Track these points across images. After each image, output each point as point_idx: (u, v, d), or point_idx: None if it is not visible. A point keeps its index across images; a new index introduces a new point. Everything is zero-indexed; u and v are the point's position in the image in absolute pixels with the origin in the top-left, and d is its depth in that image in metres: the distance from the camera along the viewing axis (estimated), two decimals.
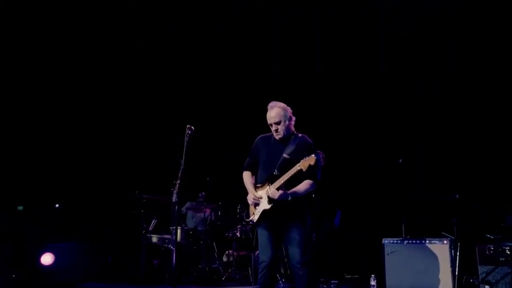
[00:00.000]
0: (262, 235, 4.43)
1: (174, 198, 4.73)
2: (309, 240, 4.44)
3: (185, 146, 4.91)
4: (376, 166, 7.26)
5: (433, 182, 7.20)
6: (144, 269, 7.50)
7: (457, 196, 5.85)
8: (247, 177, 4.65)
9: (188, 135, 4.96)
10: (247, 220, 4.62)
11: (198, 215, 8.80)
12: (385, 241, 5.92)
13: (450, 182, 7.02)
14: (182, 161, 4.83)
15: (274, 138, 4.51)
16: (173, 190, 4.78)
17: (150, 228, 8.09)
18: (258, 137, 4.68)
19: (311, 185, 4.30)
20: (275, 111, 4.41)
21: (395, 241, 5.85)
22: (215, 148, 9.23)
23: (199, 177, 9.01)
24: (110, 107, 8.96)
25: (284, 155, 4.34)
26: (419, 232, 6.09)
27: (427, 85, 7.43)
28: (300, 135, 4.48)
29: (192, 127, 4.97)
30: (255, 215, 4.48)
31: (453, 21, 6.95)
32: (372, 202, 7.42)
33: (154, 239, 8.05)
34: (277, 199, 4.18)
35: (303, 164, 4.06)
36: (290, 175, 4.17)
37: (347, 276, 7.38)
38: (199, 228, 8.16)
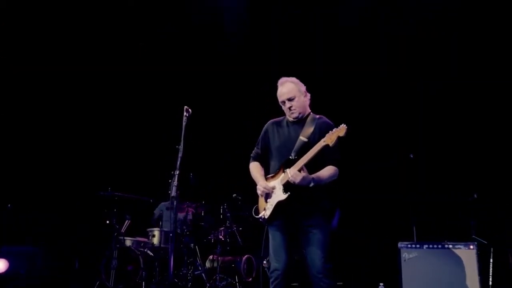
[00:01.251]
0: (275, 236, 3.74)
1: (173, 192, 3.91)
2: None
3: (183, 130, 4.22)
4: (378, 165, 6.73)
5: (436, 181, 6.72)
6: (116, 276, 6.56)
7: (475, 196, 5.33)
8: (256, 168, 4.02)
9: (186, 117, 4.23)
10: (257, 217, 3.88)
11: (178, 215, 7.91)
12: (401, 245, 5.28)
13: (451, 182, 6.61)
14: (181, 147, 4.08)
15: (288, 121, 3.92)
16: (171, 182, 3.97)
17: (123, 230, 7.18)
18: (267, 123, 4.05)
19: (335, 171, 3.69)
20: (288, 86, 3.83)
21: (412, 246, 5.23)
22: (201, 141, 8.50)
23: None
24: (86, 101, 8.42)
25: (301, 137, 3.72)
26: (432, 235, 5.52)
27: (428, 85, 7.23)
28: (317, 115, 3.86)
29: (190, 109, 4.22)
30: (266, 210, 3.77)
31: (453, 21, 6.77)
32: (375, 202, 6.86)
33: (128, 242, 7.19)
34: (298, 182, 3.52)
35: (330, 138, 3.44)
36: (314, 153, 3.52)
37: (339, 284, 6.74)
38: (178, 231, 7.29)
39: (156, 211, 7.97)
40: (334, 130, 3.42)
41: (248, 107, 7.94)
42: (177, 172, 4.03)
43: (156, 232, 7.24)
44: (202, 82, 8.32)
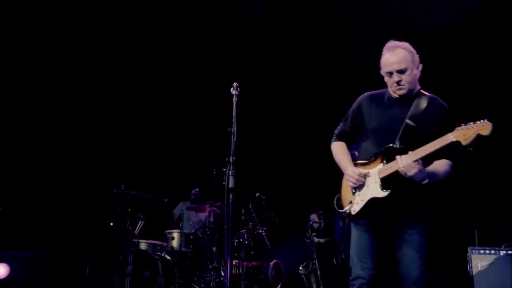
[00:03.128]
0: (361, 237, 3.10)
1: (231, 183, 3.21)
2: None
3: (234, 110, 3.57)
4: None
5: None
6: (132, 283, 5.84)
7: None
8: (341, 149, 3.34)
9: (235, 95, 3.56)
10: (340, 210, 3.24)
11: (199, 216, 7.20)
12: (472, 250, 4.61)
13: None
14: (234, 130, 3.38)
15: (390, 97, 3.18)
16: (227, 171, 3.27)
17: (136, 232, 6.46)
18: (362, 96, 3.31)
19: (450, 167, 3.02)
20: (399, 54, 3.05)
21: (486, 251, 4.56)
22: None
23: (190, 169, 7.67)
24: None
25: (408, 121, 3.01)
26: (497, 239, 4.86)
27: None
28: (428, 94, 3.15)
29: (236, 84, 3.58)
30: (353, 205, 3.13)
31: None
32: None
33: (143, 245, 6.46)
34: (411, 176, 2.86)
35: (464, 134, 2.71)
36: (435, 148, 2.82)
37: None
38: (199, 233, 6.60)
39: (176, 211, 7.28)
40: (471, 124, 2.72)
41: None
42: (233, 158, 3.33)
43: (176, 234, 6.53)
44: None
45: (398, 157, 2.91)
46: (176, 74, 7.66)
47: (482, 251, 4.58)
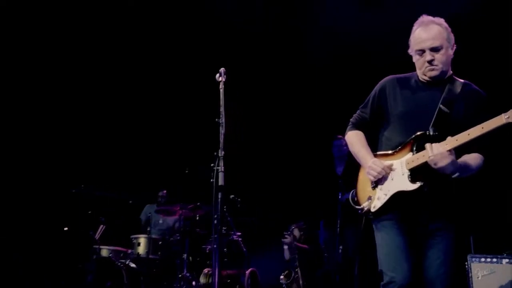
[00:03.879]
0: (389, 237, 2.73)
1: (220, 180, 2.71)
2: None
3: (221, 98, 3.13)
4: None
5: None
6: None
7: None
8: (360, 138, 2.98)
9: (222, 82, 3.09)
10: (358, 207, 2.86)
11: (167, 220, 6.61)
12: (472, 259, 4.26)
13: None
14: (222, 121, 2.90)
15: (418, 80, 2.82)
16: (215, 166, 2.76)
17: (97, 237, 5.86)
18: (385, 79, 2.93)
19: (483, 162, 2.69)
20: (434, 30, 2.69)
21: (487, 259, 4.22)
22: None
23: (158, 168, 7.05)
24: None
25: (441, 106, 2.66)
26: (494, 246, 4.56)
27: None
28: (461, 80, 2.79)
29: (223, 69, 3.12)
30: (374, 201, 2.76)
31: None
32: None
33: (105, 252, 5.86)
34: (441, 167, 2.51)
35: None
36: (485, 131, 2.43)
37: None
38: (170, 238, 6.04)
39: (143, 216, 6.66)
40: None
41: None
42: (222, 153, 2.82)
43: (143, 239, 5.95)
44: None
45: (428, 145, 2.54)
46: (146, 61, 7.05)
47: (482, 259, 4.24)
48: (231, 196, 6.12)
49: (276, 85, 7.04)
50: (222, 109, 3.06)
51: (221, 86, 3.25)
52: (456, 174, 2.55)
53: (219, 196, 2.79)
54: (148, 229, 5.98)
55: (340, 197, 5.49)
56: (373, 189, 2.79)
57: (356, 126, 3.00)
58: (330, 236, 5.78)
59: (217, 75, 3.32)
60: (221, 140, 2.89)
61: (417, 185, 2.59)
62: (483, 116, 2.48)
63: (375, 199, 2.75)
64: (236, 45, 6.49)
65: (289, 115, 7.09)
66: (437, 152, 2.50)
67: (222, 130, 2.94)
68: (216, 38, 6.50)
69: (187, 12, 6.45)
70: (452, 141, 2.50)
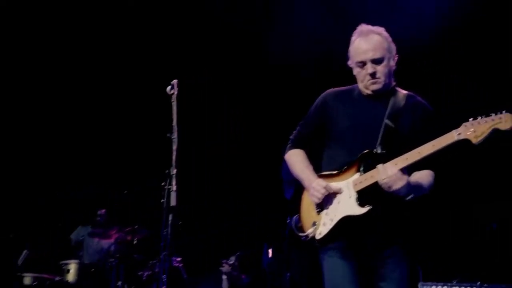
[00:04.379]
0: (336, 266, 2.50)
1: (172, 201, 2.43)
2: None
3: (174, 112, 2.92)
4: None
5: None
6: None
7: (494, 226, 4.50)
8: (301, 158, 2.72)
9: (174, 94, 3.01)
10: (302, 234, 2.59)
11: (101, 243, 6.11)
12: (423, 287, 4.21)
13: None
14: (175, 136, 2.66)
15: (360, 93, 2.63)
16: (167, 186, 2.49)
17: (19, 263, 5.34)
18: (325, 92, 2.73)
19: (434, 180, 2.52)
20: (373, 40, 2.53)
21: (438, 287, 4.19)
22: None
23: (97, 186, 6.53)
24: None
25: (387, 121, 2.48)
26: (443, 275, 4.56)
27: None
28: (406, 91, 2.64)
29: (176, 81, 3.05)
30: (319, 227, 2.51)
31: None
32: None
33: (28, 280, 5.32)
34: (395, 189, 2.31)
35: (477, 129, 2.18)
36: (436, 149, 2.28)
37: None
38: (104, 264, 5.58)
39: (74, 236, 6.10)
40: (483, 118, 2.20)
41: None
42: (175, 171, 2.55)
43: (73, 265, 5.47)
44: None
45: (380, 166, 2.34)
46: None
47: (434, 287, 4.21)
48: (169, 220, 5.77)
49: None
50: (174, 123, 2.80)
51: (173, 99, 2.99)
52: (411, 196, 2.35)
53: (170, 218, 2.49)
54: (80, 253, 5.48)
55: (288, 222, 5.33)
56: (318, 214, 2.54)
57: (297, 144, 2.76)
58: (276, 260, 5.58)
59: (169, 87, 3.07)
60: (174, 157, 2.61)
61: (366, 209, 2.37)
62: (430, 130, 2.37)
63: (320, 225, 2.50)
64: (191, 54, 6.21)
65: (240, 135, 6.87)
66: (392, 174, 2.30)
67: (174, 146, 2.67)
68: (171, 47, 6.18)
69: (142, 21, 6.12)
70: (402, 160, 2.33)
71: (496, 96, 5.11)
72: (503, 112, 2.16)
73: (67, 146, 6.76)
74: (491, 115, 2.17)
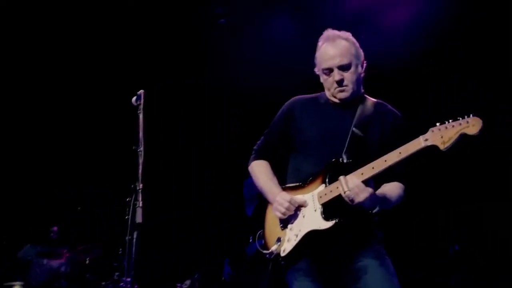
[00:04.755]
0: (301, 286, 2.34)
1: (138, 217, 2.29)
2: None
3: (140, 124, 2.75)
4: None
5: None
6: None
7: (457, 247, 4.57)
8: (264, 169, 2.59)
9: (140, 106, 2.82)
10: (266, 251, 2.42)
11: (51, 263, 5.76)
12: None
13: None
14: (141, 149, 2.54)
15: (327, 101, 2.53)
16: (133, 200, 2.36)
17: None
18: (291, 100, 2.62)
19: (404, 193, 2.42)
20: (341, 46, 2.43)
21: None
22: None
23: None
24: None
25: (354, 129, 2.39)
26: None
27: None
28: (375, 99, 2.56)
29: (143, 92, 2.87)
30: (283, 243, 2.37)
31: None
32: None
33: None
34: (359, 202, 2.18)
35: (444, 135, 2.09)
36: (403, 156, 2.18)
37: None
38: (54, 285, 5.27)
39: (21, 255, 5.70)
40: (450, 123, 2.10)
41: None
42: (141, 185, 2.41)
43: (18, 287, 5.07)
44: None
45: (341, 178, 2.22)
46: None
47: None
48: (127, 238, 5.52)
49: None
50: (140, 135, 2.67)
51: (139, 110, 2.86)
52: (376, 209, 2.25)
53: (135, 236, 2.34)
54: (27, 274, 5.15)
55: (251, 240, 5.21)
56: (282, 229, 2.40)
57: (261, 155, 2.62)
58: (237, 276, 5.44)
59: (134, 98, 2.92)
60: (140, 171, 2.48)
61: (331, 222, 2.23)
62: (401, 139, 2.26)
63: (284, 241, 2.36)
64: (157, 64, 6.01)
65: (200, 150, 6.70)
66: (353, 186, 2.18)
67: (140, 160, 2.54)
68: (137, 56, 5.97)
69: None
70: (368, 170, 2.22)
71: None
72: (471, 115, 2.06)
73: (21, 156, 6.37)
74: (458, 119, 2.08)
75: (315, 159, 2.39)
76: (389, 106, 2.55)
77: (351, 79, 2.41)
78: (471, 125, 2.04)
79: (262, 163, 2.60)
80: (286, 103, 2.61)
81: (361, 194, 2.17)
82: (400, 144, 2.20)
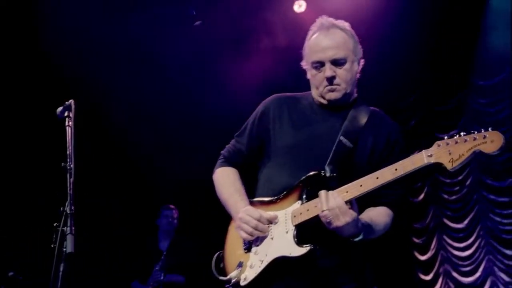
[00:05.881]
0: None
1: (69, 247, 1.97)
2: None
3: (69, 138, 2.42)
4: None
5: None
6: None
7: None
8: (232, 177, 2.25)
9: (69, 118, 2.50)
10: (223, 278, 2.10)
11: None
12: None
13: None
14: (71, 165, 2.24)
15: (313, 102, 2.21)
16: (61, 227, 2.04)
17: None
18: (269, 98, 2.30)
19: (391, 219, 2.11)
20: (337, 37, 2.09)
21: None
22: None
23: None
24: None
25: (342, 138, 2.05)
26: None
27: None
28: (371, 107, 2.25)
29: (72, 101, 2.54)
30: (244, 269, 2.04)
31: None
32: None
33: None
34: (340, 226, 1.84)
35: (454, 151, 1.74)
36: (399, 175, 1.84)
37: None
38: None
39: None
40: (461, 137, 1.75)
41: None
42: (72, 208, 2.08)
43: None
44: None
45: (323, 192, 1.87)
46: None
47: None
48: (10, 274, 4.91)
49: None
50: (70, 151, 2.34)
51: (68, 123, 2.53)
52: (359, 238, 1.90)
53: (61, 269, 1.98)
54: None
55: (162, 277, 4.95)
56: (245, 252, 2.07)
57: (229, 161, 2.29)
58: None
59: (60, 109, 2.56)
60: (70, 192, 2.15)
61: (305, 249, 1.89)
62: (397, 154, 2.02)
63: (247, 267, 2.02)
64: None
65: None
66: (334, 205, 1.82)
67: (70, 178, 2.21)
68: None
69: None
70: (355, 188, 1.88)
71: None
72: (489, 129, 1.74)
73: None
74: (472, 133, 1.74)
75: (291, 169, 2.06)
76: (387, 116, 2.24)
77: (345, 77, 2.09)
78: (489, 141, 1.71)
79: (230, 171, 2.26)
80: (263, 102, 2.28)
81: (342, 217, 1.82)
82: (395, 161, 1.89)
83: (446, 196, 6.97)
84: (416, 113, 6.79)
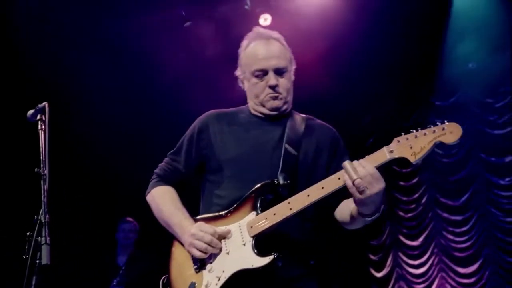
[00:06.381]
0: None
1: (45, 258, 1.84)
2: None
3: (42, 142, 2.26)
4: None
5: None
6: None
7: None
8: (170, 196, 2.19)
9: (42, 121, 2.34)
10: None
11: None
12: None
13: None
14: (45, 170, 2.12)
15: (249, 115, 2.24)
16: (34, 236, 1.90)
17: None
18: (205, 115, 2.28)
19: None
20: (276, 47, 2.16)
21: None
22: None
23: None
24: None
25: (287, 146, 2.08)
26: None
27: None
28: (303, 114, 2.31)
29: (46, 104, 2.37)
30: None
31: None
32: None
33: None
34: (373, 195, 1.84)
35: (414, 144, 1.80)
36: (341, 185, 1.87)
37: None
38: None
39: None
40: (422, 131, 1.80)
41: None
42: (47, 217, 1.94)
43: None
44: None
45: (346, 163, 1.84)
46: None
47: None
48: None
49: None
50: (44, 156, 2.20)
51: (41, 126, 2.38)
52: (378, 214, 1.89)
53: (33, 282, 1.83)
54: None
55: None
56: (196, 272, 1.98)
57: (165, 180, 2.23)
58: None
59: (31, 112, 2.41)
60: (44, 199, 2.01)
61: (268, 258, 1.86)
62: (339, 157, 2.10)
63: (202, 286, 1.94)
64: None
65: None
66: (366, 173, 1.80)
67: (45, 185, 2.07)
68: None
69: None
70: (318, 191, 1.87)
71: None
72: (445, 122, 1.81)
73: None
74: (430, 127, 1.81)
75: (239, 182, 2.05)
76: (320, 121, 2.29)
77: (286, 86, 2.13)
78: (449, 132, 1.78)
79: (167, 189, 2.19)
80: (199, 119, 2.26)
81: (376, 183, 1.79)
82: (338, 163, 1.96)
83: (402, 214, 7.22)
84: (375, 131, 6.98)
